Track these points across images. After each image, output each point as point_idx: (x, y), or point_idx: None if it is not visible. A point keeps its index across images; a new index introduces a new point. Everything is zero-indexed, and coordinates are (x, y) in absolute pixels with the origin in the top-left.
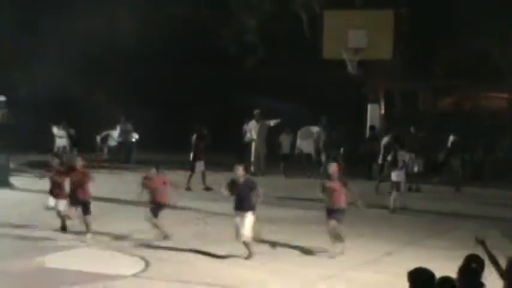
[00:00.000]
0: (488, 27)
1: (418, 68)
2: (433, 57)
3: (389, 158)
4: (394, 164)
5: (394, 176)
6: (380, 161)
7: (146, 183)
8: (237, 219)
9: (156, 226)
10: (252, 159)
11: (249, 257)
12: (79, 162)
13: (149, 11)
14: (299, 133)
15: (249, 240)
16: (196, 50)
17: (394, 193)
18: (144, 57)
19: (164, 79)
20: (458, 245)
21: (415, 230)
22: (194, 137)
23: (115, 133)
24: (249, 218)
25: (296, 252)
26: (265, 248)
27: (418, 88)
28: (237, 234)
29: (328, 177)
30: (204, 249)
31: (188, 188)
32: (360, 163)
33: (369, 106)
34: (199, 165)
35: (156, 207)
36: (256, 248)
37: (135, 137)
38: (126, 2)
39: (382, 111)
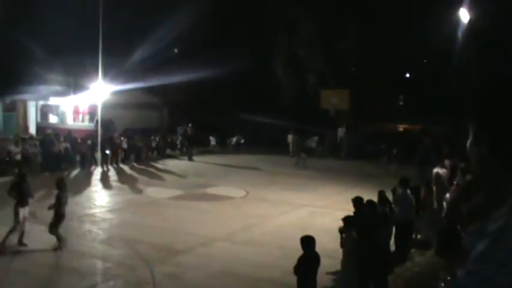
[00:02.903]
0: None
1: (362, 110)
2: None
3: None
4: None
5: None
6: None
7: None
8: None
9: None
10: (291, 155)
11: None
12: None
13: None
14: (312, 138)
15: None
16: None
17: None
18: None
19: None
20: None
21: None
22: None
23: (234, 138)
24: None
25: (309, 188)
26: (295, 186)
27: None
28: None
29: None
30: (270, 187)
31: None
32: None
33: (338, 129)
34: None
35: None
36: (292, 186)
37: (242, 140)
38: None
39: (344, 131)
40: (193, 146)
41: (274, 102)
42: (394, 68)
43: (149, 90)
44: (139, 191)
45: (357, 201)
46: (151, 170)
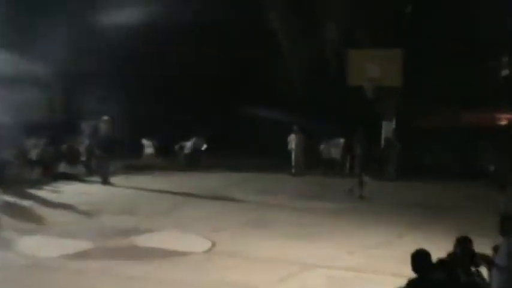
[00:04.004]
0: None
1: (420, 92)
2: (427, 85)
3: None
4: None
5: None
6: None
7: None
8: None
9: None
10: (293, 164)
11: None
12: None
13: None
14: (331, 142)
15: None
16: (247, 88)
17: None
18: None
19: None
20: (451, 230)
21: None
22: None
23: (188, 144)
24: None
25: (329, 233)
26: (305, 230)
27: (420, 109)
28: None
29: None
30: (258, 231)
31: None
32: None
33: (383, 123)
34: None
35: None
36: (299, 230)
37: (204, 146)
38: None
39: (393, 126)
40: (112, 157)
41: (267, 80)
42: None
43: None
44: (6, 246)
45: (462, 245)
46: (31, 203)
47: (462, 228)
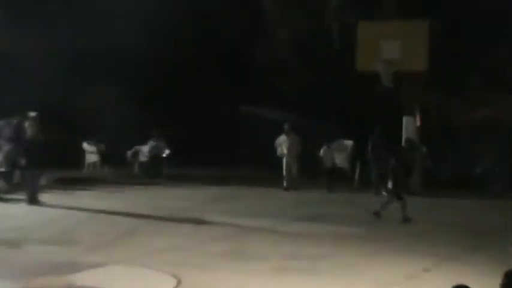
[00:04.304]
0: None
1: (453, 79)
2: (469, 68)
3: None
4: None
5: None
6: None
7: None
8: None
9: None
10: (284, 174)
11: None
12: None
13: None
14: (333, 146)
15: None
16: (230, 65)
17: None
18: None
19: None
20: (496, 261)
21: (454, 245)
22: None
23: (145, 148)
24: None
25: (335, 267)
26: (303, 263)
27: (453, 99)
28: None
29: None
30: (238, 265)
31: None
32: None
33: (404, 119)
34: None
35: None
36: (294, 263)
37: (166, 152)
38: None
39: (418, 124)
40: (43, 167)
41: (252, 67)
42: None
43: None
44: None
45: None
46: None
47: (503, 259)
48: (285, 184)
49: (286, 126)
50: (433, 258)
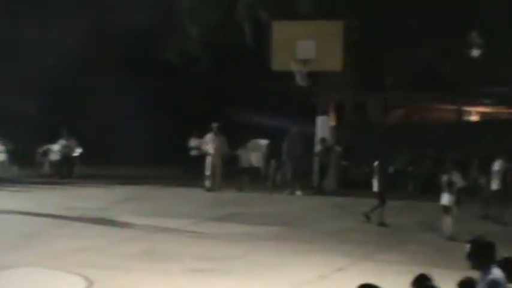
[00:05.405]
0: (436, 39)
1: (369, 79)
2: (383, 69)
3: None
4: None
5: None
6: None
7: None
8: None
9: None
10: (208, 173)
11: None
12: None
13: (91, 22)
14: (250, 146)
15: None
16: (140, 61)
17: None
18: (82, 68)
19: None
20: (410, 259)
21: (368, 244)
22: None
23: (56, 147)
24: None
25: (249, 267)
26: (217, 264)
27: (368, 99)
28: None
29: None
30: (150, 266)
31: None
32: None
33: (319, 118)
34: None
35: None
36: (208, 264)
37: (78, 151)
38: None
39: (333, 123)
40: None
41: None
42: None
43: None
44: None
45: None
46: None
47: (418, 258)
48: (207, 184)
49: (214, 125)
50: (348, 258)
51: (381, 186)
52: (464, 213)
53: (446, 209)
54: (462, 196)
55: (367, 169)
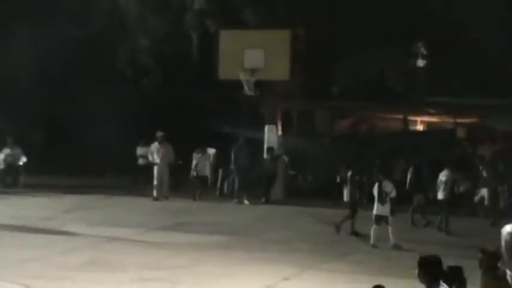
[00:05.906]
0: (383, 49)
1: (316, 88)
2: (330, 78)
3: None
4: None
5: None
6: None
7: None
8: None
9: None
10: (155, 183)
11: None
12: None
13: (43, 32)
14: (194, 155)
15: None
16: (92, 71)
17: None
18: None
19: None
20: (357, 269)
21: (315, 254)
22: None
23: (0, 156)
24: None
25: (196, 277)
26: (164, 273)
27: (315, 109)
28: None
29: None
30: (97, 276)
31: None
32: (259, 186)
33: (266, 127)
34: None
35: None
36: (155, 274)
37: (23, 160)
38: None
39: (280, 132)
40: None
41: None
42: None
43: None
44: None
45: None
46: None
47: (366, 267)
48: (154, 194)
49: (159, 133)
50: (295, 267)
51: (353, 196)
52: (405, 222)
53: (377, 219)
54: (394, 205)
55: (310, 178)
